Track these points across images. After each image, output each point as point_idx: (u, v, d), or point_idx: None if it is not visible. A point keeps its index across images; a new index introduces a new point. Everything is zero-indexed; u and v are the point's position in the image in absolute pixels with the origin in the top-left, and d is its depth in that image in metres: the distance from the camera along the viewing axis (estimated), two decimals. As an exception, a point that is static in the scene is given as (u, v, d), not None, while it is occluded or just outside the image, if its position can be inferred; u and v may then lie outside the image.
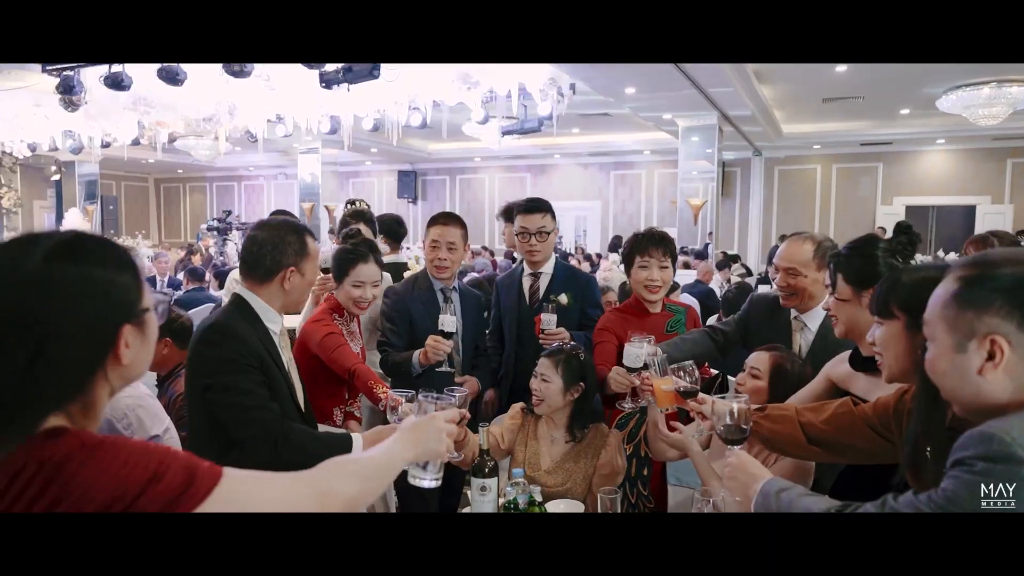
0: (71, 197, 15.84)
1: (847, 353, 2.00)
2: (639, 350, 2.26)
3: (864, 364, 1.88)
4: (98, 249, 0.97)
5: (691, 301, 6.13)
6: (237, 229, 14.39)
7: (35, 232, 0.97)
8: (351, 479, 1.13)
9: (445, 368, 2.46)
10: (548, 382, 2.33)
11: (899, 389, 1.57)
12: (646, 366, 2.16)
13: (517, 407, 2.50)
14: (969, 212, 12.99)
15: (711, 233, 12.56)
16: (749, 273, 11.90)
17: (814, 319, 2.44)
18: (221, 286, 7.18)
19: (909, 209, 13.32)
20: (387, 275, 3.52)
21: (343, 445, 1.94)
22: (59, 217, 15.04)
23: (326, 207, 14.84)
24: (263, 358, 1.94)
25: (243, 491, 0.99)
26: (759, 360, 2.22)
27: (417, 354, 2.62)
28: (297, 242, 2.00)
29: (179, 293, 7.40)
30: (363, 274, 2.70)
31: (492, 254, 14.49)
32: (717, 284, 8.48)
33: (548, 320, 2.77)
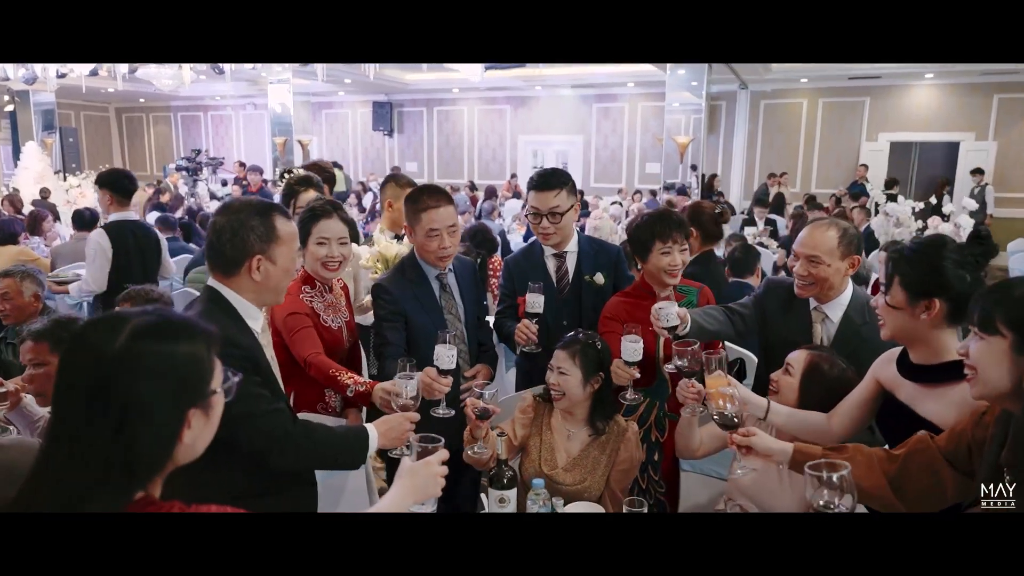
0: (27, 128, 15.09)
1: (895, 352, 1.86)
2: (635, 344, 2.16)
3: (913, 372, 1.76)
4: (180, 327, 1.02)
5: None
6: (207, 165, 13.88)
7: (124, 310, 1.03)
8: None
9: (442, 410, 2.09)
10: (566, 375, 2.20)
11: (975, 412, 1.45)
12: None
13: (528, 397, 2.36)
14: (952, 149, 12.91)
15: (695, 167, 12.32)
16: (732, 212, 11.80)
17: (835, 309, 2.29)
18: (187, 238, 6.89)
19: (894, 145, 13.20)
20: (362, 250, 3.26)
21: (360, 439, 1.85)
22: (16, 150, 14.33)
23: (299, 141, 14.28)
24: (257, 360, 1.77)
25: None
26: (796, 358, 2.10)
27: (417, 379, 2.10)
28: (262, 225, 1.74)
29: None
30: (327, 230, 2.47)
31: (474, 189, 14.16)
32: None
33: (535, 301, 2.48)
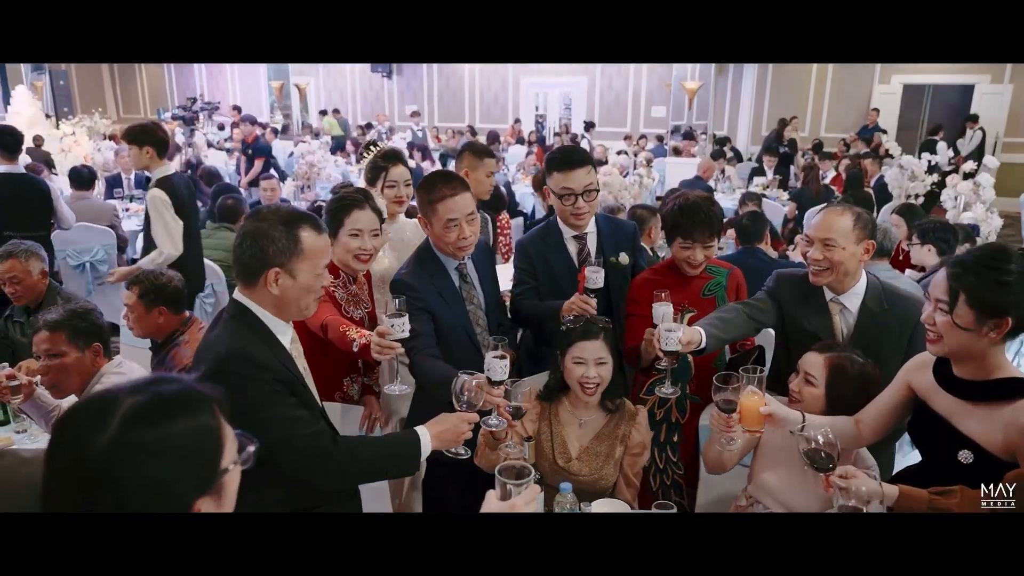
0: (15, 70, 14.71)
1: (929, 358, 1.78)
2: (668, 309, 2.17)
3: (958, 386, 1.68)
4: (177, 403, 0.89)
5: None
6: (203, 111, 13.55)
7: (115, 389, 0.90)
8: None
9: (495, 420, 1.94)
10: (606, 364, 2.18)
11: None
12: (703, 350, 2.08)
13: (533, 391, 2.31)
14: (966, 92, 12.58)
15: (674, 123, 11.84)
16: (739, 158, 11.59)
17: (852, 299, 2.25)
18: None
19: (907, 88, 12.88)
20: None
21: (411, 447, 1.77)
22: (6, 95, 13.97)
23: (296, 85, 13.93)
24: (291, 381, 1.70)
25: None
26: (813, 364, 2.00)
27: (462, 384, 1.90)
28: (284, 237, 1.64)
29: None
30: (360, 221, 2.44)
31: (474, 133, 13.90)
32: (712, 179, 8.27)
33: (596, 277, 2.38)
